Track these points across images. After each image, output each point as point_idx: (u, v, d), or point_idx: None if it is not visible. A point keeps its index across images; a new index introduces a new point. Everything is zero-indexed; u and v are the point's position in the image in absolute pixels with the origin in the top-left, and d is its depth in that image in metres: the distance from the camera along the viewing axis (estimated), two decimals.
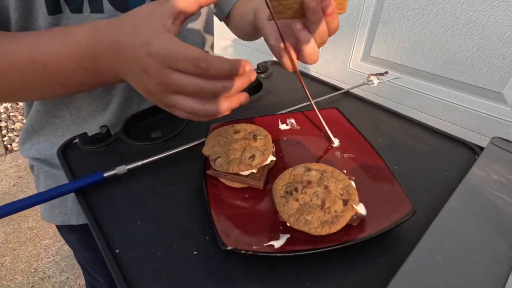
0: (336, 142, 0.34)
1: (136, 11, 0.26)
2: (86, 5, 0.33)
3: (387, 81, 0.53)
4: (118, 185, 0.30)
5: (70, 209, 0.44)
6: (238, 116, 0.36)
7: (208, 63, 0.22)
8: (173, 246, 0.25)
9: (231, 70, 0.22)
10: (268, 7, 0.25)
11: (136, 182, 0.31)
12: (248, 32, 0.43)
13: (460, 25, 0.75)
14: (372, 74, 0.53)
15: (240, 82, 0.24)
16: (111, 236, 0.25)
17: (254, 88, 0.49)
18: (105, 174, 0.30)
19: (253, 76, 0.24)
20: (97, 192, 0.30)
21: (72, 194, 0.29)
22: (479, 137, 0.78)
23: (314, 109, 0.36)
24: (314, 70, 1.18)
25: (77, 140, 0.36)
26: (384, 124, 0.39)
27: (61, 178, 0.43)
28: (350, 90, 0.48)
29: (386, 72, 0.54)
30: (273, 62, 0.56)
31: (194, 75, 0.22)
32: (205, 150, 0.29)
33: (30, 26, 0.32)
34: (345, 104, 0.44)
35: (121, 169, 0.30)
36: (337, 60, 1.08)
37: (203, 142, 0.33)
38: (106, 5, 0.34)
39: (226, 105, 0.25)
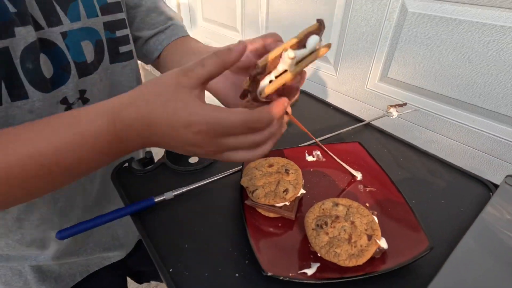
0: (359, 176, 0.37)
1: (158, 83, 0.24)
2: (5, 96, 0.29)
3: (405, 112, 0.56)
4: (166, 209, 0.35)
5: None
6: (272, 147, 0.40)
7: (259, 121, 0.22)
8: (218, 268, 0.29)
9: (279, 117, 0.23)
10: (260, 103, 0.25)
11: (181, 206, 0.35)
12: None
13: (478, 52, 0.77)
14: (391, 106, 0.56)
15: (283, 121, 0.26)
16: (165, 256, 0.30)
17: None
18: (156, 200, 0.34)
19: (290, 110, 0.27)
20: (149, 216, 0.34)
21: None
22: (496, 161, 0.80)
23: (326, 149, 0.39)
24: (330, 87, 1.21)
25: (126, 164, 0.41)
26: (404, 158, 0.42)
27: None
28: (370, 122, 0.51)
29: (405, 104, 0.57)
30: (300, 90, 0.60)
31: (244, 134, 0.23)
32: (244, 182, 0.33)
33: None
34: (366, 135, 0.48)
35: (169, 195, 0.35)
36: (355, 79, 1.11)
37: (239, 170, 0.37)
38: (30, 90, 0.31)
39: (272, 144, 0.26)
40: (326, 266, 0.27)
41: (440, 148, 0.94)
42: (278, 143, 0.40)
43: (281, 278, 0.25)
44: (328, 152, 0.39)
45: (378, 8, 0.94)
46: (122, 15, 0.40)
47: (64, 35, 0.33)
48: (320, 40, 0.24)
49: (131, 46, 0.42)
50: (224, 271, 0.29)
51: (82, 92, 0.36)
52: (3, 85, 0.29)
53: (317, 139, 0.45)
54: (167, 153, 0.43)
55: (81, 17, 0.35)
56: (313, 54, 0.23)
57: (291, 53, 0.22)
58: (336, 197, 0.32)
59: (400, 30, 0.92)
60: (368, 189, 0.36)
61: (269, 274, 0.26)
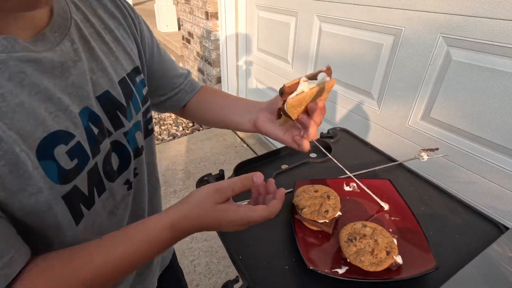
0: (386, 207, 0.47)
1: (201, 201, 0.35)
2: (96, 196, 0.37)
3: (435, 157, 0.63)
4: None
5: None
6: (316, 175, 0.52)
7: (271, 214, 0.35)
8: (273, 260, 0.41)
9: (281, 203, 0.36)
10: (288, 116, 0.38)
11: None
12: (235, 127, 0.53)
13: None
14: (423, 150, 0.63)
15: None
16: (236, 248, 0.43)
17: (326, 149, 0.65)
18: None
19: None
20: None
21: None
22: None
23: (360, 182, 0.50)
24: (373, 121, 1.29)
25: (206, 177, 0.56)
26: (428, 196, 0.51)
27: None
28: (403, 163, 0.60)
29: (437, 149, 0.64)
30: (341, 129, 0.71)
31: None
32: (295, 201, 0.45)
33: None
34: (397, 173, 0.57)
35: (240, 204, 0.48)
36: (397, 116, 1.17)
37: (291, 191, 0.49)
38: (107, 184, 0.39)
39: (279, 203, 0.37)
40: (353, 269, 0.38)
41: (478, 189, 0.96)
42: (323, 174, 0.51)
43: (319, 271, 0.36)
44: (361, 185, 0.49)
45: (423, 54, 1.02)
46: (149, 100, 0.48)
47: (125, 134, 0.41)
48: (328, 78, 0.37)
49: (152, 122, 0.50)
50: (277, 263, 0.40)
51: (135, 169, 0.44)
52: (95, 189, 0.36)
53: (353, 174, 0.55)
54: (235, 171, 0.56)
55: (133, 116, 0.42)
56: (322, 84, 0.36)
57: (304, 77, 0.35)
58: (365, 221, 0.42)
59: (443, 75, 0.98)
60: (392, 218, 0.45)
61: (311, 267, 0.37)
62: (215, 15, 2.09)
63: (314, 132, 0.41)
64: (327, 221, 0.43)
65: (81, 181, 0.34)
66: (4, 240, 0.27)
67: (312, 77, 0.37)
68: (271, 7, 1.76)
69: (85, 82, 0.34)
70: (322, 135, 0.69)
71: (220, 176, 0.57)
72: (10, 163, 0.27)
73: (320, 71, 0.38)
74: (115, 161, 0.40)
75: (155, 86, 0.52)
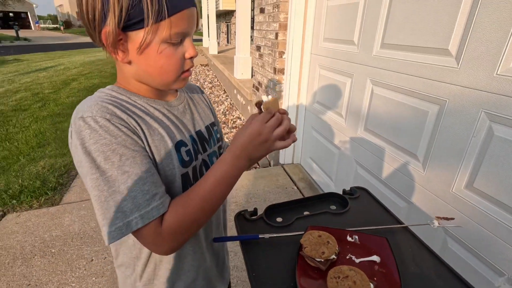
0: (377, 260, 0.57)
1: (241, 129, 0.53)
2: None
3: (448, 226, 0.69)
4: (262, 242, 0.64)
5: None
6: (330, 223, 0.65)
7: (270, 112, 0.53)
8: (277, 281, 0.55)
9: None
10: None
11: (270, 243, 0.64)
12: None
13: None
14: (438, 218, 0.69)
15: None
16: (253, 264, 0.58)
17: (342, 204, 0.77)
18: (260, 236, 0.64)
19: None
20: (252, 245, 0.64)
21: None
22: None
23: (359, 236, 0.61)
24: (417, 181, 1.31)
25: (243, 212, 0.74)
26: (421, 258, 0.59)
27: None
28: (409, 226, 0.68)
29: (452, 218, 0.69)
30: (362, 189, 0.82)
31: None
32: (302, 240, 0.60)
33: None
34: (400, 235, 0.66)
35: (266, 235, 0.64)
36: (441, 181, 1.19)
37: (301, 234, 0.64)
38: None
39: (288, 120, 0.54)
40: None
41: None
42: (336, 224, 0.64)
43: None
44: (356, 241, 0.61)
45: (466, 126, 1.07)
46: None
47: (208, 155, 0.65)
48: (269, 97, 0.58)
49: None
50: (280, 284, 0.55)
51: None
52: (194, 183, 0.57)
53: (359, 228, 0.67)
54: (265, 211, 0.73)
55: (212, 146, 0.67)
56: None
57: (264, 97, 0.56)
58: (353, 266, 0.54)
59: (486, 148, 1.01)
60: (379, 270, 0.55)
61: None
62: (281, 71, 2.40)
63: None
64: (322, 260, 0.56)
65: (190, 172, 0.58)
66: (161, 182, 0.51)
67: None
68: (331, 68, 1.97)
69: (190, 124, 0.63)
70: (344, 192, 0.82)
71: (254, 213, 0.75)
72: (165, 150, 0.53)
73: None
74: (203, 171, 0.63)
75: None
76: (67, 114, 4.33)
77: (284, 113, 0.56)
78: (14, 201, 2.23)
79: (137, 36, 0.47)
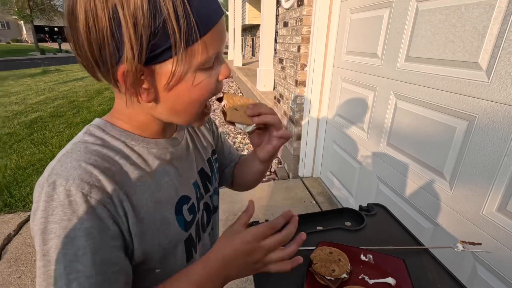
0: (393, 282, 0.54)
1: (224, 237, 0.43)
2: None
3: (473, 251, 0.64)
4: None
5: None
6: (343, 240, 0.63)
7: (274, 227, 0.43)
8: None
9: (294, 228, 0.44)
10: (224, 113, 0.48)
11: None
12: (256, 171, 0.64)
13: None
14: (463, 242, 0.64)
15: (294, 227, 0.44)
16: (262, 283, 0.57)
17: (358, 221, 0.74)
18: None
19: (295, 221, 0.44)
20: None
21: None
22: None
23: (374, 256, 0.57)
24: (443, 201, 1.23)
25: (254, 223, 0.73)
26: (442, 284, 0.54)
27: None
28: (429, 248, 0.64)
29: (479, 244, 0.64)
30: (379, 206, 0.79)
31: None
32: (312, 257, 0.58)
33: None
34: (419, 258, 0.61)
35: None
36: (470, 201, 1.11)
37: (312, 249, 0.61)
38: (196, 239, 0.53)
39: (296, 246, 0.44)
40: None
41: None
42: (350, 242, 0.62)
43: None
44: (371, 260, 0.57)
45: (497, 144, 1.00)
46: None
47: (210, 196, 0.60)
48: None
49: None
50: None
51: (212, 223, 0.63)
52: (197, 238, 0.53)
53: (374, 247, 0.63)
54: None
55: (213, 183, 0.61)
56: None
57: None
58: (366, 287, 0.51)
59: None
60: None
61: None
62: (303, 83, 2.40)
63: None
64: (332, 278, 0.53)
65: (193, 231, 0.52)
66: None
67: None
68: (354, 81, 1.94)
69: (193, 164, 0.55)
70: (360, 208, 0.78)
71: None
72: (161, 220, 0.45)
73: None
74: (204, 217, 0.58)
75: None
76: None
77: (252, 107, 0.49)
78: None
79: (164, 69, 0.37)
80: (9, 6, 22.51)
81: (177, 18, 0.34)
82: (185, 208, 0.50)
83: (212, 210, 0.62)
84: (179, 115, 0.44)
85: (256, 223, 0.74)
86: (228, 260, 0.41)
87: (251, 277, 0.55)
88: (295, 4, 2.34)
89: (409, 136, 1.44)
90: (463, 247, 0.63)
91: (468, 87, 1.09)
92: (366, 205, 0.79)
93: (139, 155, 0.45)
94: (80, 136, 0.43)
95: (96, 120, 0.45)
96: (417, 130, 1.38)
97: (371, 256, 0.60)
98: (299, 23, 2.28)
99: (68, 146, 0.41)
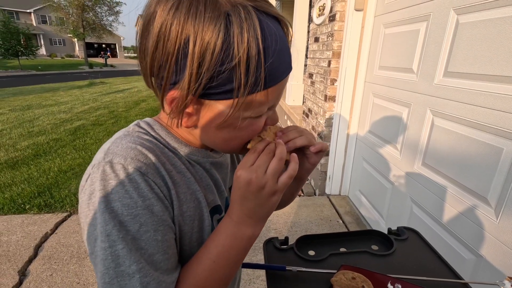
0: None
1: (235, 192, 0.40)
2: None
3: None
4: (289, 276, 0.59)
5: None
6: (368, 265, 0.58)
7: (257, 145, 0.41)
8: None
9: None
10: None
11: (297, 277, 0.59)
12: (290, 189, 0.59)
13: None
14: (511, 278, 0.56)
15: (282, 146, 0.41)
16: None
17: (386, 245, 0.68)
18: (287, 268, 0.60)
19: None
20: (278, 275, 0.60)
21: None
22: None
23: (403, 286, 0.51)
24: (488, 230, 1.11)
25: (273, 240, 0.70)
26: None
27: None
28: (469, 283, 0.56)
29: None
30: (411, 230, 0.72)
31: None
32: (333, 281, 0.53)
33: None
34: None
35: (294, 268, 0.59)
36: None
37: (334, 272, 0.57)
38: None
39: (282, 147, 0.41)
40: None
41: None
42: (376, 267, 0.57)
43: None
44: None
45: None
46: None
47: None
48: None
49: None
50: None
51: None
52: None
53: (404, 277, 0.57)
54: (297, 242, 0.68)
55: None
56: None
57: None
58: None
59: None
60: None
61: None
62: (332, 98, 2.35)
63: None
64: None
65: None
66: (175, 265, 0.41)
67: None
68: (386, 97, 1.86)
69: (227, 177, 0.54)
70: (389, 231, 0.72)
71: (285, 241, 0.70)
72: (198, 221, 0.45)
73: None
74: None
75: None
76: None
77: (286, 137, 0.46)
78: None
79: (214, 106, 0.37)
80: (65, 26, 25.17)
81: (247, 69, 0.33)
82: (216, 218, 0.49)
83: None
84: (217, 146, 0.44)
85: (275, 239, 0.71)
86: (241, 200, 0.40)
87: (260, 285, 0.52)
88: (327, 20, 2.34)
89: (447, 156, 1.33)
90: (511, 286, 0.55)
91: None
92: (396, 228, 0.73)
93: (184, 157, 0.45)
94: (131, 127, 0.44)
95: (147, 118, 0.47)
96: (456, 150, 1.27)
97: (399, 286, 0.54)
98: (330, 38, 2.27)
99: (120, 133, 0.42)
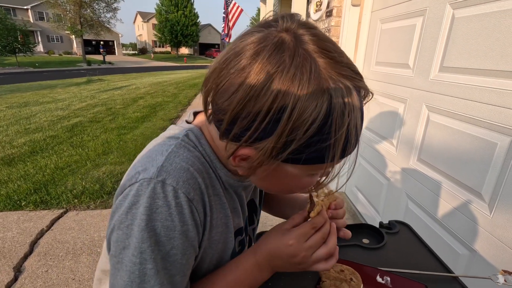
0: None
1: (273, 234, 0.45)
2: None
3: None
4: None
5: None
6: (358, 258, 0.57)
7: (317, 223, 0.42)
8: None
9: (324, 219, 0.43)
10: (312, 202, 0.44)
11: None
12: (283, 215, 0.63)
13: None
14: (505, 271, 0.55)
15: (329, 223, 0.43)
16: None
17: (377, 239, 0.67)
18: None
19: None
20: None
21: None
22: None
23: (392, 277, 0.51)
24: (481, 225, 1.11)
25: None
26: None
27: None
28: (459, 277, 0.56)
29: None
30: (403, 224, 0.72)
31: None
32: (321, 273, 0.53)
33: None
34: (445, 286, 0.54)
35: None
36: (511, 227, 0.99)
37: None
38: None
39: (335, 237, 0.44)
40: None
41: None
42: (366, 261, 0.57)
43: None
44: (388, 283, 0.51)
45: None
46: None
47: (253, 229, 0.59)
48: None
49: None
50: None
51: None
52: None
53: (394, 270, 0.57)
54: None
55: (258, 215, 0.60)
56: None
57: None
58: None
59: None
60: None
61: None
62: None
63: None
64: None
65: None
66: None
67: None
68: (383, 92, 1.86)
69: (249, 194, 0.55)
70: (380, 224, 0.72)
71: None
72: (223, 244, 0.47)
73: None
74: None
75: None
76: (131, 127, 4.82)
77: (336, 215, 0.47)
78: (76, 200, 2.49)
79: (285, 167, 0.36)
80: (63, 22, 24.99)
81: (344, 148, 0.34)
82: (238, 239, 0.50)
83: (251, 243, 0.60)
84: (259, 186, 0.47)
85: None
86: (274, 256, 0.43)
87: None
88: (324, 15, 2.33)
89: (442, 151, 1.33)
90: (505, 280, 0.55)
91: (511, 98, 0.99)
92: (387, 222, 0.72)
93: (220, 178, 0.45)
94: (180, 134, 0.43)
95: (193, 127, 0.45)
96: (451, 145, 1.27)
97: (388, 279, 0.54)
98: (327, 34, 2.25)
99: (172, 140, 0.41)
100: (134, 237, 0.35)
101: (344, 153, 0.35)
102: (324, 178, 0.41)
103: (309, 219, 0.43)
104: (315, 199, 0.46)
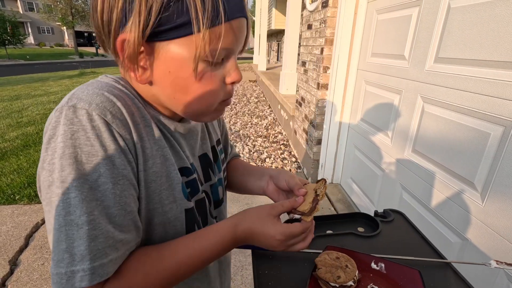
0: None
1: (258, 212, 0.45)
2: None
3: (506, 270, 0.56)
4: (275, 257, 0.60)
5: None
6: (354, 246, 0.58)
7: (307, 227, 0.45)
8: None
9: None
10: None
11: (282, 257, 0.59)
12: (251, 191, 0.63)
13: None
14: (499, 262, 0.56)
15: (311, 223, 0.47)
16: (261, 272, 0.54)
17: (372, 227, 0.68)
18: None
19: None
20: (264, 255, 0.60)
21: None
22: None
23: (386, 264, 0.52)
24: (474, 214, 1.13)
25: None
26: None
27: None
28: (452, 263, 0.57)
29: None
30: (397, 212, 0.73)
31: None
32: (317, 261, 0.54)
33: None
34: (438, 271, 0.55)
35: None
36: (505, 216, 1.02)
37: (320, 252, 0.57)
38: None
39: (312, 235, 0.48)
40: None
41: None
42: (361, 248, 0.57)
43: None
44: (382, 270, 0.52)
45: None
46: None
47: (211, 186, 0.55)
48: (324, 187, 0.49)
49: None
50: None
51: (215, 218, 0.58)
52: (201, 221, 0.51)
53: (387, 256, 0.58)
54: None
55: (216, 174, 0.57)
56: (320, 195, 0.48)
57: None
58: None
59: None
60: None
61: None
62: (325, 86, 2.34)
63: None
64: (337, 285, 0.49)
65: (198, 210, 0.49)
66: (135, 236, 0.39)
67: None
68: (378, 84, 1.86)
69: (197, 145, 0.53)
70: (375, 213, 0.73)
71: None
72: (166, 178, 0.42)
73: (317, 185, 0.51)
74: (206, 205, 0.53)
75: None
76: None
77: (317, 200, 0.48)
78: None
79: (166, 49, 0.36)
80: (54, 13, 24.41)
81: (210, 5, 0.33)
82: (184, 179, 0.46)
83: (213, 202, 0.57)
84: (177, 108, 0.42)
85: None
86: (255, 238, 0.44)
87: (251, 281, 0.52)
88: (320, 6, 2.30)
89: (436, 142, 1.34)
90: (497, 263, 0.56)
91: (505, 89, 1.00)
92: (382, 210, 0.73)
93: (150, 116, 0.43)
94: (97, 78, 0.42)
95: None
96: (445, 136, 1.28)
97: (383, 265, 0.55)
98: (323, 25, 2.24)
99: (86, 83, 0.39)
100: (56, 169, 0.33)
101: (216, 11, 0.34)
102: None
103: (300, 217, 0.46)
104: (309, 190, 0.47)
